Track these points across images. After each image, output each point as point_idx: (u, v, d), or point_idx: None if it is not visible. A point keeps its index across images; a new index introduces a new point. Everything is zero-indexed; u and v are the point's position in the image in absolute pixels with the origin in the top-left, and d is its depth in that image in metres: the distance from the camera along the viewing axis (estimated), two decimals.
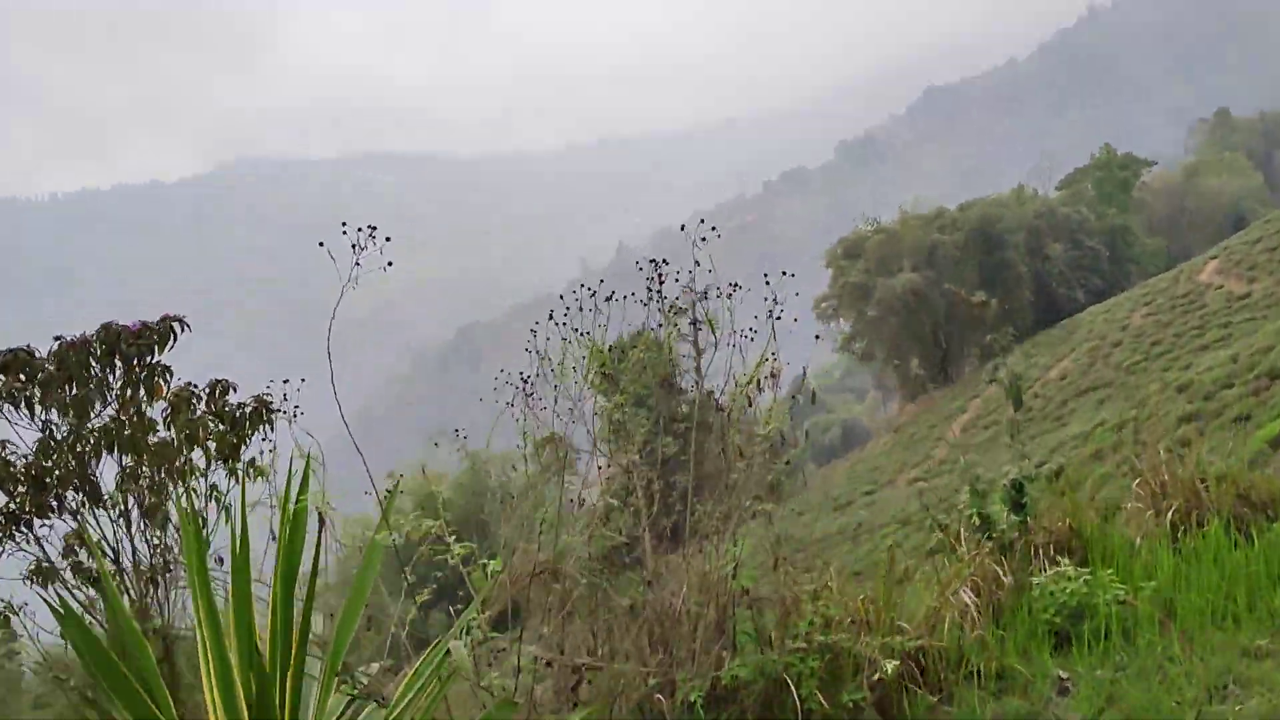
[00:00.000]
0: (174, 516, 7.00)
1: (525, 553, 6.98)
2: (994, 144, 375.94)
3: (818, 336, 72.06)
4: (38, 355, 6.71)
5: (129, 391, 6.93)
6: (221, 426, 7.06)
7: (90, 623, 6.27)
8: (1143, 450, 14.16)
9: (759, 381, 7.23)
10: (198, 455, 7.10)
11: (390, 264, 5.75)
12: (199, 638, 4.74)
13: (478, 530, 50.66)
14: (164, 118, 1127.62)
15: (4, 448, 6.67)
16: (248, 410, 7.11)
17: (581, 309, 8.13)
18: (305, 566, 5.09)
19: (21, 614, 6.63)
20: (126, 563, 6.90)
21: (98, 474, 6.94)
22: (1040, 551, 7.37)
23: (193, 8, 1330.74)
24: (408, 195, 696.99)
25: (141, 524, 6.98)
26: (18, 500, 6.57)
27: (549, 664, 6.44)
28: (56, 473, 6.65)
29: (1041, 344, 55.13)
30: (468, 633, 5.69)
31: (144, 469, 6.90)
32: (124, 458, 6.87)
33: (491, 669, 6.04)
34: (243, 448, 7.10)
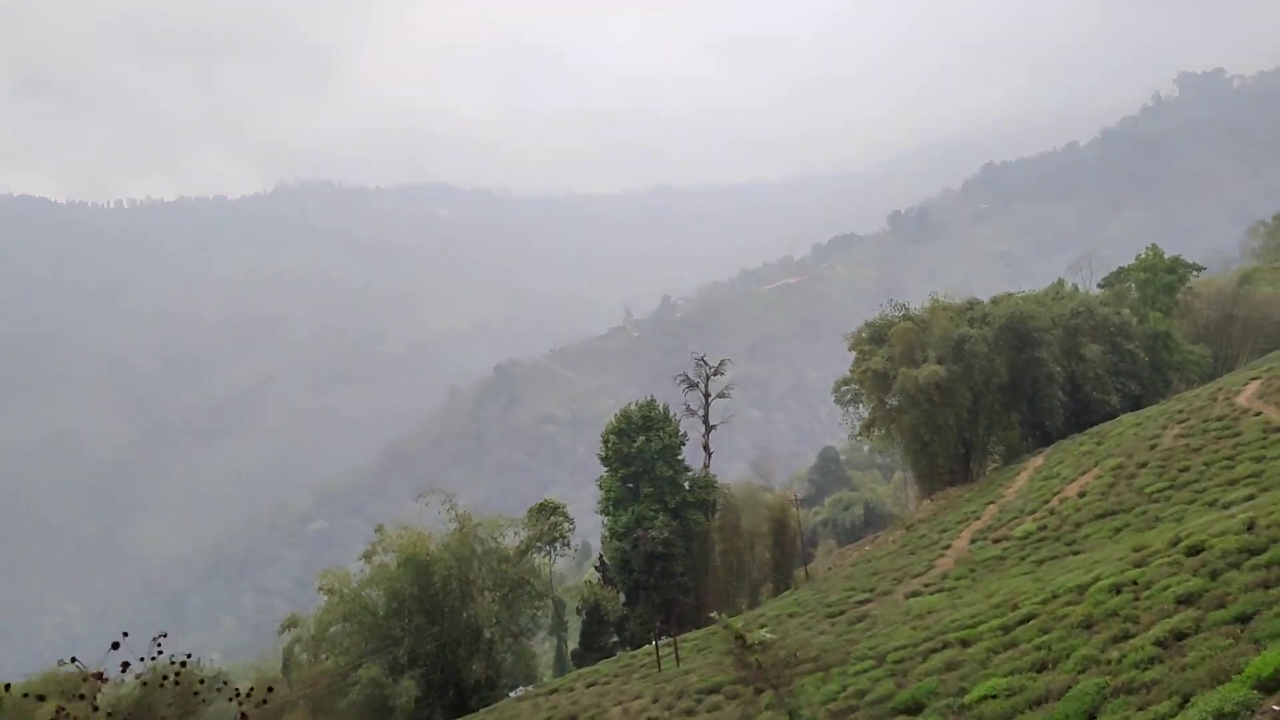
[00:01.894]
0: None
1: None
2: (1047, 227, 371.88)
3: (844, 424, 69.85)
4: None
5: None
6: None
7: None
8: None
9: None
10: None
11: None
12: None
13: (461, 597, 47.96)
14: (233, 134, 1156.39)
15: None
16: None
17: None
18: None
19: None
20: None
21: None
22: None
23: (270, 29, 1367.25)
24: (460, 229, 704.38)
25: None
26: None
27: None
28: None
29: (1068, 451, 52.49)
30: None
31: None
32: None
33: None
34: None
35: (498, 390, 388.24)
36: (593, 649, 52.92)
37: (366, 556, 49.92)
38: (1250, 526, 20.37)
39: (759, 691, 24.83)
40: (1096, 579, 21.72)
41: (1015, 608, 23.30)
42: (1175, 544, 22.66)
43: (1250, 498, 32.33)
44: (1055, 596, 22.33)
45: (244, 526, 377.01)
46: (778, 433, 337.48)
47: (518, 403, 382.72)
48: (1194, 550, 20.55)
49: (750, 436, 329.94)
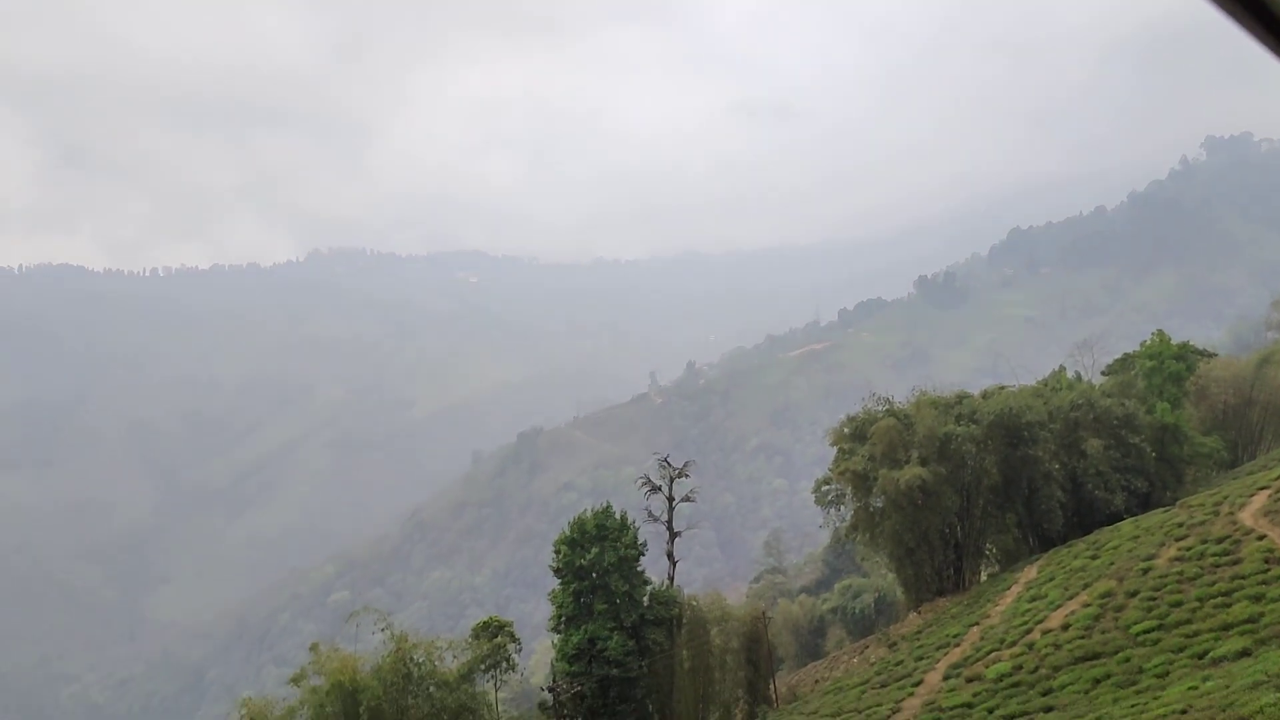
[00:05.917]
0: None
1: None
2: (1074, 293, 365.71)
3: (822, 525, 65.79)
4: None
5: None
6: None
7: None
8: None
9: None
10: None
11: None
12: None
13: None
14: (268, 203, 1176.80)
15: None
16: None
17: None
18: None
19: None
20: None
21: None
22: None
23: (303, 98, 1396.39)
24: (488, 296, 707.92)
25: None
26: None
27: None
28: None
29: (1062, 563, 48.05)
30: None
31: None
32: None
33: None
34: None
35: (520, 457, 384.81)
36: None
37: (296, 680, 46.17)
38: None
39: None
40: None
41: None
42: None
43: (1244, 652, 28.18)
44: None
45: (266, 596, 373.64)
46: (802, 502, 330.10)
47: (540, 470, 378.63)
48: None
49: (775, 506, 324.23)
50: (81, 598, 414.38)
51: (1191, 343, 68.60)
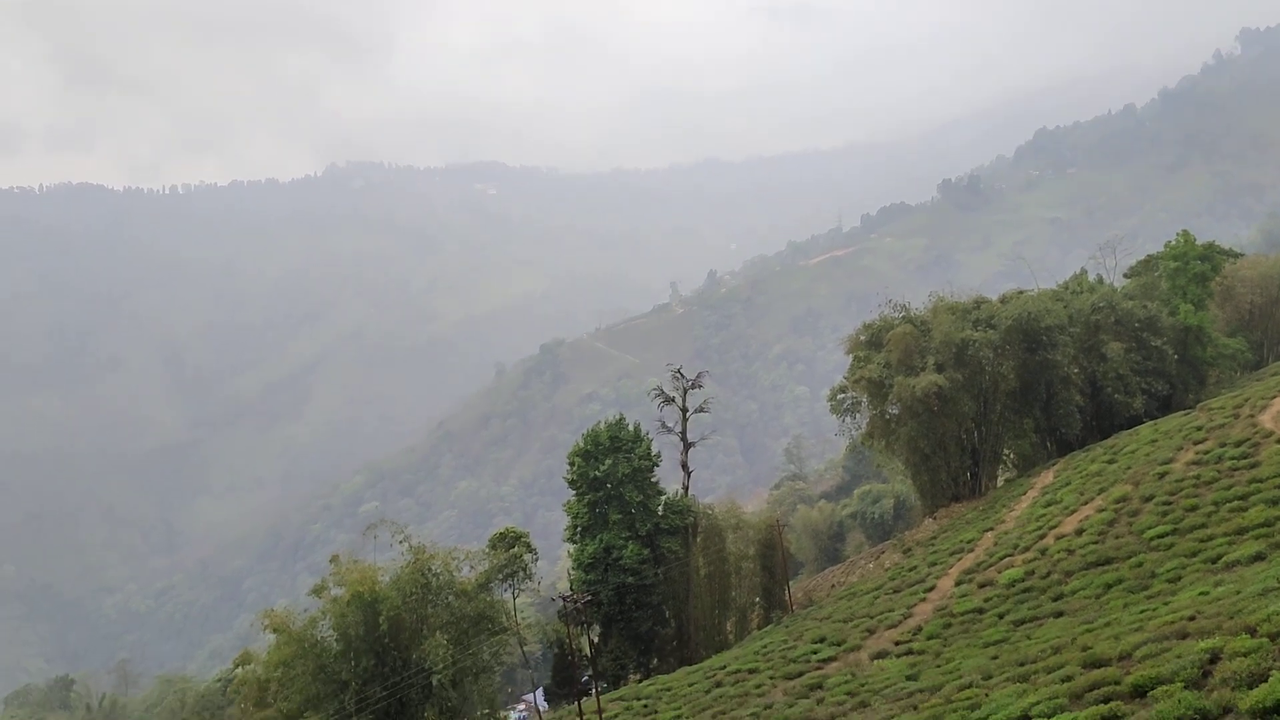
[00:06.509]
0: None
1: None
2: (1101, 193, 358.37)
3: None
4: None
5: None
6: None
7: None
8: None
9: None
10: None
11: None
12: None
13: (412, 636, 44.70)
14: (285, 119, 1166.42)
15: None
16: None
17: None
18: None
19: None
20: None
21: None
22: None
23: (319, 14, 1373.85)
24: (508, 208, 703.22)
25: None
26: None
27: None
28: None
29: (1079, 468, 47.75)
30: None
31: None
32: None
33: None
34: None
35: (543, 369, 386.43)
36: (565, 685, 49.59)
37: (317, 591, 46.91)
38: (1213, 660, 16.21)
39: None
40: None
41: None
42: (1125, 659, 18.59)
43: (1258, 556, 27.92)
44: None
45: (298, 507, 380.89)
46: (824, 409, 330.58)
47: (563, 381, 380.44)
48: (1139, 691, 16.45)
49: (797, 414, 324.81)
50: (121, 512, 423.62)
51: (1218, 242, 67.08)
